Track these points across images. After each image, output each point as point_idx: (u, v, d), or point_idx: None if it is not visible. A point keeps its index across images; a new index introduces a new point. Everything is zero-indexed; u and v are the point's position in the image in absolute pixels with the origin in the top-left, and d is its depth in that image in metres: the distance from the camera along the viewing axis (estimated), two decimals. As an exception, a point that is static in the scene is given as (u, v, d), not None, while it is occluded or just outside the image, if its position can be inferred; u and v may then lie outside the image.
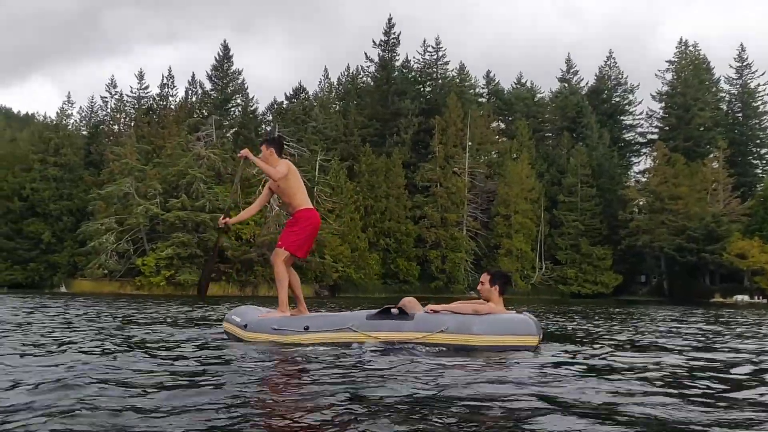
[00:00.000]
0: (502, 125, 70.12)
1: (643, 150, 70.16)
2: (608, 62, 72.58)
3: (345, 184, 51.42)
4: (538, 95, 73.78)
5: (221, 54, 62.96)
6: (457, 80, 67.32)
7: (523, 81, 75.14)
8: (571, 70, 72.69)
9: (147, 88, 62.37)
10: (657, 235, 53.37)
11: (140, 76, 62.26)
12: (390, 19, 64.83)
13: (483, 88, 73.39)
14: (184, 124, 55.29)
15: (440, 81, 66.51)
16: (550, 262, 58.57)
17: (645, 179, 62.54)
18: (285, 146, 41.07)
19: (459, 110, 58.39)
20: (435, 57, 66.60)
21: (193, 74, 68.15)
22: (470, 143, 58.60)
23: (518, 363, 4.48)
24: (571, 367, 4.31)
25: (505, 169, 57.17)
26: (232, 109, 63.59)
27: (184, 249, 43.45)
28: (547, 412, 2.72)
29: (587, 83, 72.98)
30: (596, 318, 12.84)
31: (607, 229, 57.92)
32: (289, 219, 6.37)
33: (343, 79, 71.57)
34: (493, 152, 62.45)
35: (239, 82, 63.73)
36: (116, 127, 61.28)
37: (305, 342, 5.58)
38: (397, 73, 64.80)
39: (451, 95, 59.94)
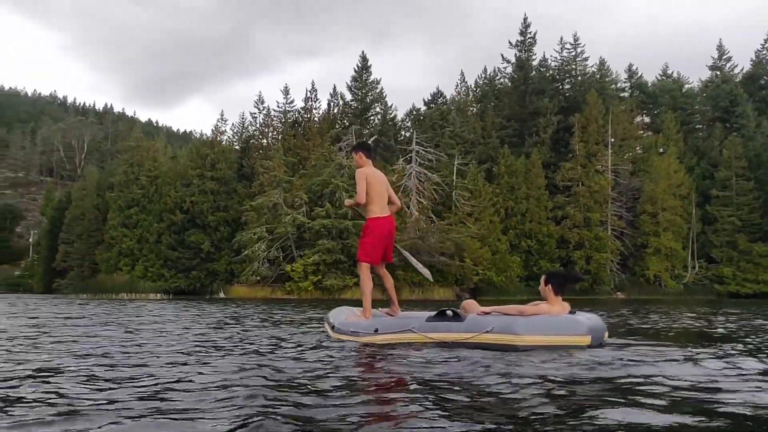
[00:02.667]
0: (647, 119, 67.31)
1: (810, 137, 64.64)
2: (766, 45, 67.67)
3: (483, 187, 51.44)
4: (686, 86, 70.07)
5: (360, 65, 64.95)
6: (597, 76, 65.30)
7: (668, 72, 71.84)
8: (723, 57, 68.51)
9: (292, 102, 65.35)
10: (829, 230, 49.13)
11: (286, 91, 65.33)
12: (525, 19, 64.30)
13: (625, 82, 70.66)
14: (327, 135, 57.59)
15: (579, 78, 64.81)
16: (704, 260, 55.47)
17: (813, 169, 57.62)
18: (423, 152, 42.03)
19: (600, 106, 56.73)
20: (573, 54, 65.04)
21: (335, 86, 70.59)
22: (612, 140, 56.73)
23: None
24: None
25: (650, 165, 54.88)
26: (372, 117, 65.36)
27: (329, 255, 45.30)
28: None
29: (742, 70, 68.47)
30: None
31: (768, 224, 54.09)
32: (363, 230, 7.02)
33: (480, 82, 71.66)
34: (637, 148, 59.92)
35: (378, 91, 65.42)
36: (265, 140, 64.70)
37: (376, 342, 6.27)
38: (534, 72, 63.96)
39: (591, 92, 58.33)
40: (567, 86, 65.10)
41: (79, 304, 22.00)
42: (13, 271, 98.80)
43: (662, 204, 52.97)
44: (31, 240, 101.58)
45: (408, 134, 61.17)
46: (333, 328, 7.06)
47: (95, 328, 8.84)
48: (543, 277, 6.16)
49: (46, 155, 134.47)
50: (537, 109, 60.14)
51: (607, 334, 6.10)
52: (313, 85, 72.05)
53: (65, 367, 4.54)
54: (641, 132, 62.97)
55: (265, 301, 32.94)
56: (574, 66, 65.29)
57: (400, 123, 67.37)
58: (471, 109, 66.67)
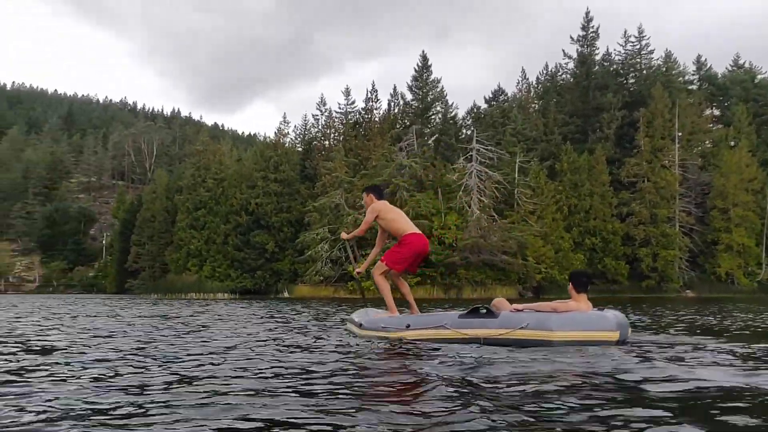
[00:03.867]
0: (717, 112, 65.33)
1: None
2: (843, 32, 64.75)
3: (545, 184, 50.89)
4: (759, 76, 67.59)
5: (420, 64, 64.94)
6: (663, 69, 63.58)
7: (740, 62, 69.51)
8: (798, 45, 65.90)
9: (353, 103, 65.86)
10: None
11: (347, 93, 65.92)
12: (588, 13, 63.14)
13: (693, 74, 68.64)
14: (388, 135, 57.90)
15: (644, 71, 63.26)
16: (780, 257, 53.56)
17: None
18: (483, 150, 41.88)
19: (666, 100, 55.26)
20: (638, 47, 63.48)
21: (395, 86, 71.21)
22: (680, 134, 55.22)
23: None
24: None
25: (720, 159, 53.27)
26: (433, 117, 65.31)
27: (391, 255, 45.52)
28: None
29: (818, 57, 65.68)
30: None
31: None
32: (400, 239, 7.25)
33: (542, 78, 70.84)
34: (706, 141, 58.26)
35: (438, 90, 65.30)
36: (327, 142, 65.52)
37: (407, 337, 6.47)
38: (597, 67, 62.82)
39: (656, 85, 56.87)
40: (631, 80, 63.64)
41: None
42: (87, 272, 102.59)
43: (733, 199, 51.36)
44: (104, 242, 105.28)
45: (469, 133, 60.92)
46: (361, 326, 7.22)
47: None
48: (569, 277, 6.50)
49: (118, 159, 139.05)
50: (600, 105, 59.08)
51: (630, 330, 6.40)
52: (373, 85, 72.89)
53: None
54: (710, 125, 61.15)
55: (331, 300, 33.40)
56: (638, 59, 63.80)
57: (461, 121, 67.19)
58: (533, 106, 65.99)
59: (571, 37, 64.02)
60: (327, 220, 49.97)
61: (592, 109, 59.97)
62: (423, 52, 65.56)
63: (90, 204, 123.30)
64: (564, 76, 66.78)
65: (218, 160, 66.29)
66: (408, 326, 6.61)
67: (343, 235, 7.97)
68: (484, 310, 6.33)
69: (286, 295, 51.03)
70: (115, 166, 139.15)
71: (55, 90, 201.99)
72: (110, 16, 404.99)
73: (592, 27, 62.99)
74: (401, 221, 7.32)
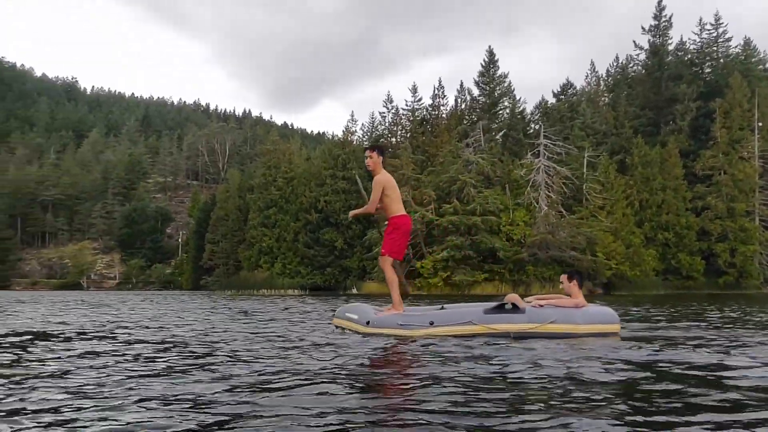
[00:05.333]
0: (800, 100, 62.48)
1: None
2: None
3: (615, 179, 49.78)
4: None
5: (487, 60, 64.37)
6: (742, 57, 61.22)
7: (824, 48, 66.35)
8: None
9: (420, 100, 65.90)
10: None
11: (413, 90, 66.00)
12: (660, 2, 61.33)
13: (774, 61, 65.83)
14: (455, 131, 57.77)
15: (721, 60, 61.02)
16: None
17: None
18: (551, 145, 41.42)
19: (745, 89, 53.23)
20: (714, 35, 61.32)
21: (462, 82, 70.52)
22: (760, 124, 53.15)
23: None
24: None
25: (804, 150, 51.09)
26: (500, 112, 64.67)
27: (458, 251, 45.53)
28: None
29: None
30: None
31: None
32: (387, 227, 7.21)
33: (612, 71, 69.23)
34: (788, 131, 55.86)
35: (505, 85, 64.59)
36: (394, 139, 65.77)
37: (432, 335, 6.41)
38: (670, 57, 60.96)
39: (734, 74, 54.82)
40: (707, 70, 61.50)
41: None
42: (164, 269, 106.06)
43: (818, 192, 49.19)
44: (180, 240, 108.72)
45: (537, 128, 60.13)
46: (368, 323, 6.91)
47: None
48: (566, 275, 6.94)
49: (192, 160, 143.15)
50: (674, 96, 57.32)
51: None
52: (440, 82, 72.59)
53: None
54: (793, 115, 58.55)
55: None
56: (715, 48, 61.61)
57: (528, 116, 66.25)
58: (602, 99, 64.58)
59: (642, 28, 62.36)
60: (394, 217, 50.17)
61: (665, 100, 58.29)
62: (489, 47, 65.10)
63: (166, 203, 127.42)
64: (635, 67, 65.04)
65: (288, 159, 67.48)
66: (432, 323, 6.56)
67: (351, 214, 7.79)
68: (510, 306, 6.58)
69: (354, 291, 51.60)
70: (189, 166, 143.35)
71: (132, 93, 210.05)
72: (184, 21, 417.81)
73: (665, 16, 61.20)
74: (396, 200, 7.23)
